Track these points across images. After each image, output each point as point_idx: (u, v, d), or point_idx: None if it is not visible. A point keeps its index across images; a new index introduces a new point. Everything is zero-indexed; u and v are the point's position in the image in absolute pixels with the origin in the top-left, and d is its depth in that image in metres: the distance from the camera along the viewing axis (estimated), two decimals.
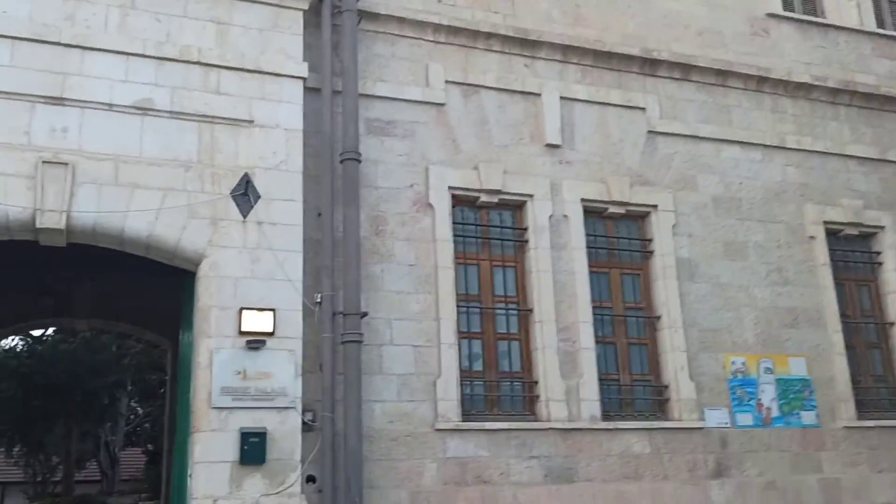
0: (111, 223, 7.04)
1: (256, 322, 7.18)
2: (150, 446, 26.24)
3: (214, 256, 7.27)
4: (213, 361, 7.02)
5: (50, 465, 26.89)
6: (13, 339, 22.59)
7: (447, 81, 8.91)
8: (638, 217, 9.52)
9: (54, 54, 7.11)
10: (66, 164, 6.92)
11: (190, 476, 6.90)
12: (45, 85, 7.01)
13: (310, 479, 7.32)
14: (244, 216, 7.43)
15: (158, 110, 7.32)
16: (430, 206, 8.51)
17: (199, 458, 6.84)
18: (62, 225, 6.85)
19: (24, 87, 6.95)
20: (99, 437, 27.14)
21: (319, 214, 7.89)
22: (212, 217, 7.33)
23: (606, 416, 8.64)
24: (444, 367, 8.08)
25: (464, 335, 8.44)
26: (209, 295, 7.20)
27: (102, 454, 27.66)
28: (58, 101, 7.02)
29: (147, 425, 27.72)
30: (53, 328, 21.60)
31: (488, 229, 8.94)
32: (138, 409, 28.59)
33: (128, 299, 13.42)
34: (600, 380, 8.69)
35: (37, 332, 22.97)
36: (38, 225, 6.79)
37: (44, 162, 6.86)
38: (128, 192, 7.11)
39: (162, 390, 25.58)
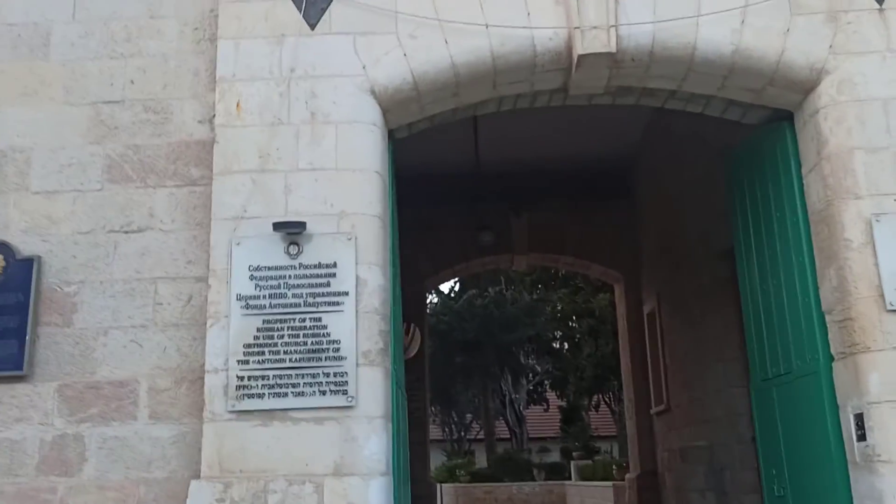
0: (677, 36, 4.53)
1: None
2: (562, 402, 24.94)
3: (842, 70, 4.45)
4: (875, 237, 4.22)
5: (464, 423, 26.91)
6: (428, 298, 22.42)
7: None
8: None
9: None
10: None
11: (865, 426, 4.13)
12: None
13: None
14: (880, 2, 4.50)
15: None
16: None
17: (879, 397, 4.06)
18: (612, 46, 4.47)
19: None
20: (504, 395, 26.59)
21: None
22: (828, 10, 4.53)
23: None
24: None
25: None
26: (845, 131, 4.39)
27: (508, 411, 27.10)
28: None
29: (546, 382, 26.54)
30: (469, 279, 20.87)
31: None
32: (536, 366, 27.63)
33: (569, 228, 11.47)
34: None
35: (445, 288, 22.68)
36: (577, 51, 4.49)
37: None
38: None
39: (558, 346, 24.17)
